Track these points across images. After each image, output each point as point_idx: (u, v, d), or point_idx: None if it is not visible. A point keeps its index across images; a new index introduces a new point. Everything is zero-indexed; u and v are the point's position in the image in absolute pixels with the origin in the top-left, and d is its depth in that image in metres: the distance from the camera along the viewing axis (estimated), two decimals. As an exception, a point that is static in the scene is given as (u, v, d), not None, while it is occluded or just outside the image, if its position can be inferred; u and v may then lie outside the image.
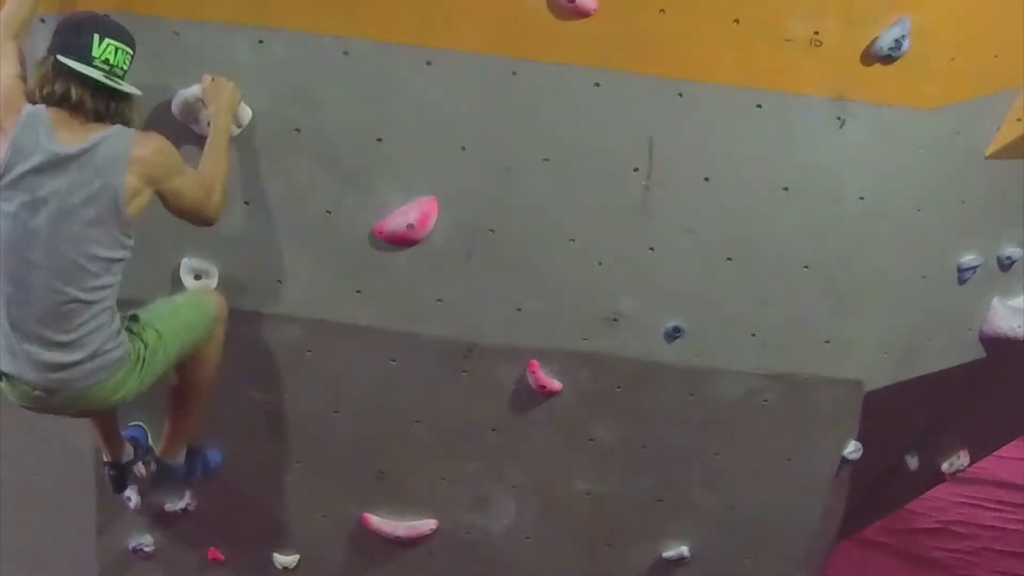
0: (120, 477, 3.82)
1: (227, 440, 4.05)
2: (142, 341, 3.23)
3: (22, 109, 3.03)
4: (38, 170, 2.98)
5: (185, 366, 3.48)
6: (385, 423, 4.00)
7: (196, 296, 3.53)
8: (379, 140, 3.51)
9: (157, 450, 3.77)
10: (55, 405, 3.17)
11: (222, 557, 4.38)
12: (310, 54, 3.41)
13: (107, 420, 3.68)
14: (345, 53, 3.41)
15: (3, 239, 3.01)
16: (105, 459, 3.81)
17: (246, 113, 3.46)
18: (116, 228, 3.06)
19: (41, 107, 3.04)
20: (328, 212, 3.59)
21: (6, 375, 3.11)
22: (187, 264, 3.65)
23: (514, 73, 3.45)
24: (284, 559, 4.35)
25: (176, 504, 4.21)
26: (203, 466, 3.88)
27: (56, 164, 2.98)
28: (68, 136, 3.01)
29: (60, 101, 3.02)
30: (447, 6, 3.38)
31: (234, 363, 3.85)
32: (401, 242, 3.61)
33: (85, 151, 3.00)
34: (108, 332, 3.11)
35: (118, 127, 3.08)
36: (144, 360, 3.23)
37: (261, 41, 3.40)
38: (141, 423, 3.94)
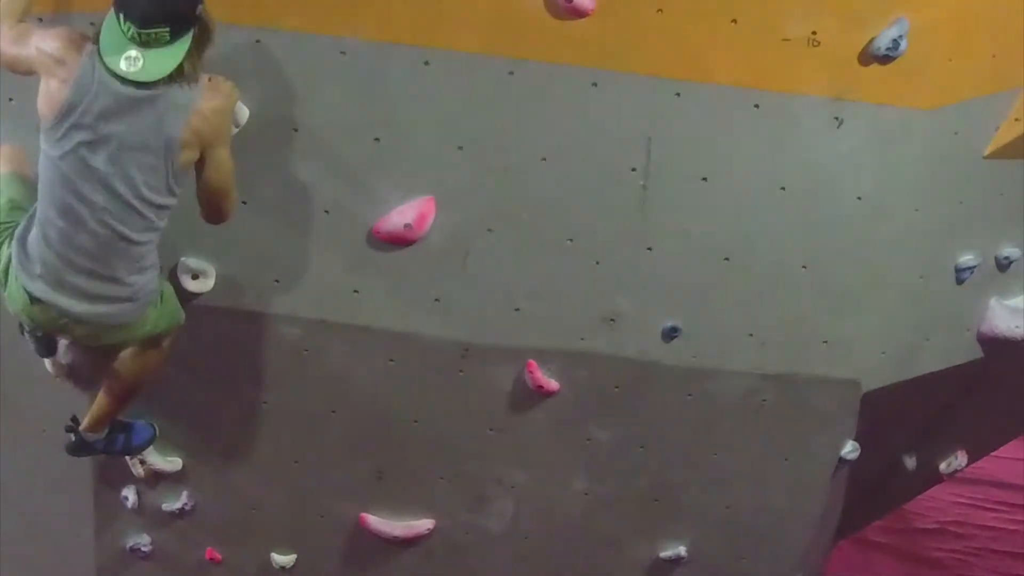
0: (79, 444, 3.77)
1: (225, 439, 4.05)
2: (161, 294, 3.35)
3: (84, 47, 3.02)
4: (102, 111, 3.00)
5: (130, 362, 3.53)
6: (383, 423, 4.00)
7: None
8: (376, 140, 3.51)
9: (82, 424, 3.73)
10: (77, 334, 3.27)
11: (220, 557, 4.37)
12: (307, 54, 3.41)
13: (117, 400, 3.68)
14: (342, 53, 3.40)
15: (59, 174, 3.04)
16: (74, 421, 3.74)
17: (243, 113, 3.45)
18: (169, 175, 3.10)
19: None
20: (326, 212, 3.58)
21: (38, 300, 3.15)
22: (184, 264, 3.65)
23: (511, 73, 3.45)
24: (282, 559, 4.35)
25: (174, 504, 4.21)
26: (124, 442, 3.86)
27: (120, 106, 3.00)
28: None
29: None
30: (444, 6, 3.37)
31: (232, 363, 3.86)
32: (399, 242, 3.61)
33: (149, 97, 3.00)
34: (150, 275, 3.24)
35: None
36: (158, 311, 3.35)
37: (258, 41, 3.39)
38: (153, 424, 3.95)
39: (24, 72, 3.15)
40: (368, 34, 3.39)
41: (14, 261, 3.17)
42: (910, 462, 5.14)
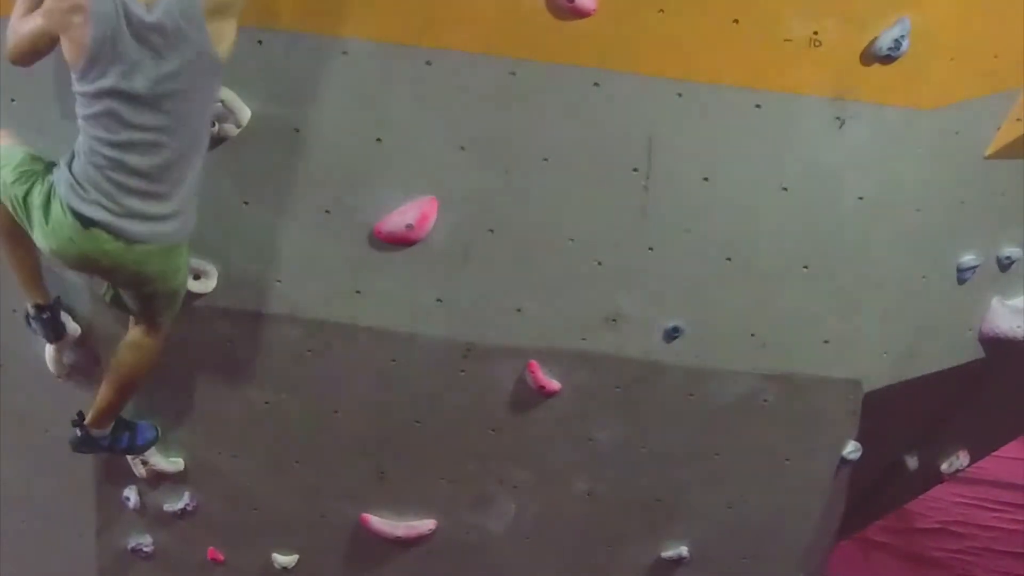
0: (83, 439, 3.79)
1: (227, 440, 4.05)
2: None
3: None
4: (126, 38, 3.03)
5: (128, 354, 3.59)
6: (384, 423, 4.00)
7: None
8: (378, 140, 3.51)
9: (86, 419, 3.75)
10: (126, 259, 3.24)
11: (221, 557, 4.38)
12: (309, 54, 3.41)
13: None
14: (344, 53, 3.41)
15: (102, 108, 3.07)
16: (79, 416, 3.76)
17: (245, 113, 3.45)
18: (212, 76, 3.16)
19: None
20: (327, 212, 3.58)
21: (92, 224, 3.17)
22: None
23: (513, 73, 3.45)
24: (283, 559, 4.35)
25: (176, 504, 4.21)
26: (129, 441, 3.89)
27: (141, 28, 3.02)
28: None
29: None
30: (446, 6, 3.37)
31: (234, 363, 3.86)
32: (400, 242, 3.61)
33: (162, 17, 3.02)
34: (190, 186, 3.25)
35: None
36: (184, 259, 3.41)
37: (260, 41, 3.39)
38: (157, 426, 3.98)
39: (48, 45, 3.17)
40: (370, 34, 3.39)
41: (62, 189, 3.18)
42: (911, 462, 5.13)
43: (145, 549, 4.37)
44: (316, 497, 4.20)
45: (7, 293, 3.82)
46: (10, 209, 3.33)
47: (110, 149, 3.12)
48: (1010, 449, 6.06)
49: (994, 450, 5.67)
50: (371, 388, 3.92)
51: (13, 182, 3.29)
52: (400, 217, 3.57)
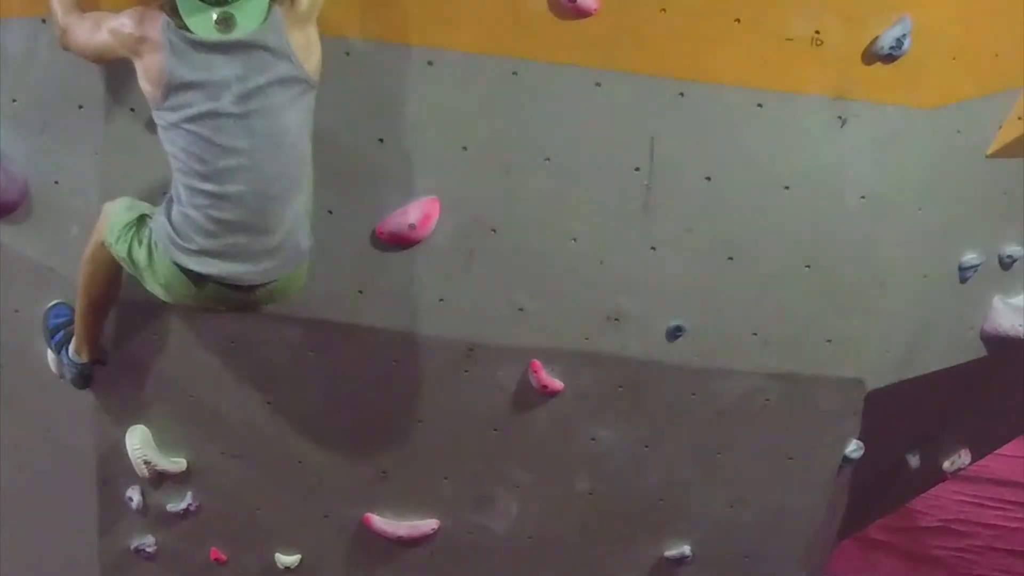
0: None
1: (229, 440, 4.06)
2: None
3: (158, 17, 2.96)
4: (206, 63, 2.93)
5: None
6: (386, 423, 4.00)
7: None
8: (380, 140, 3.51)
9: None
10: (247, 301, 3.18)
11: (224, 557, 4.38)
12: (311, 54, 3.41)
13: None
14: (347, 54, 3.41)
15: (191, 138, 2.94)
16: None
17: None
18: (304, 95, 3.05)
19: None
20: (329, 212, 3.58)
21: (202, 278, 3.05)
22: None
23: (515, 73, 3.45)
24: (286, 559, 4.35)
25: (178, 504, 4.21)
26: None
27: (222, 47, 2.93)
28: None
29: None
30: (448, 6, 3.37)
31: (236, 363, 3.86)
32: (402, 242, 3.61)
33: (243, 35, 2.93)
34: (302, 219, 3.16)
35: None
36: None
37: (262, 41, 3.39)
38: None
39: (112, 60, 3.13)
40: (371, 35, 3.39)
41: (163, 244, 3.04)
42: (913, 460, 5.14)
43: (148, 549, 4.37)
44: (318, 497, 4.20)
45: (7, 293, 3.82)
46: (127, 268, 3.23)
47: (209, 183, 2.94)
48: (1012, 447, 6.06)
49: (996, 448, 5.67)
50: (373, 388, 3.92)
51: (115, 242, 3.20)
52: (402, 217, 3.57)
